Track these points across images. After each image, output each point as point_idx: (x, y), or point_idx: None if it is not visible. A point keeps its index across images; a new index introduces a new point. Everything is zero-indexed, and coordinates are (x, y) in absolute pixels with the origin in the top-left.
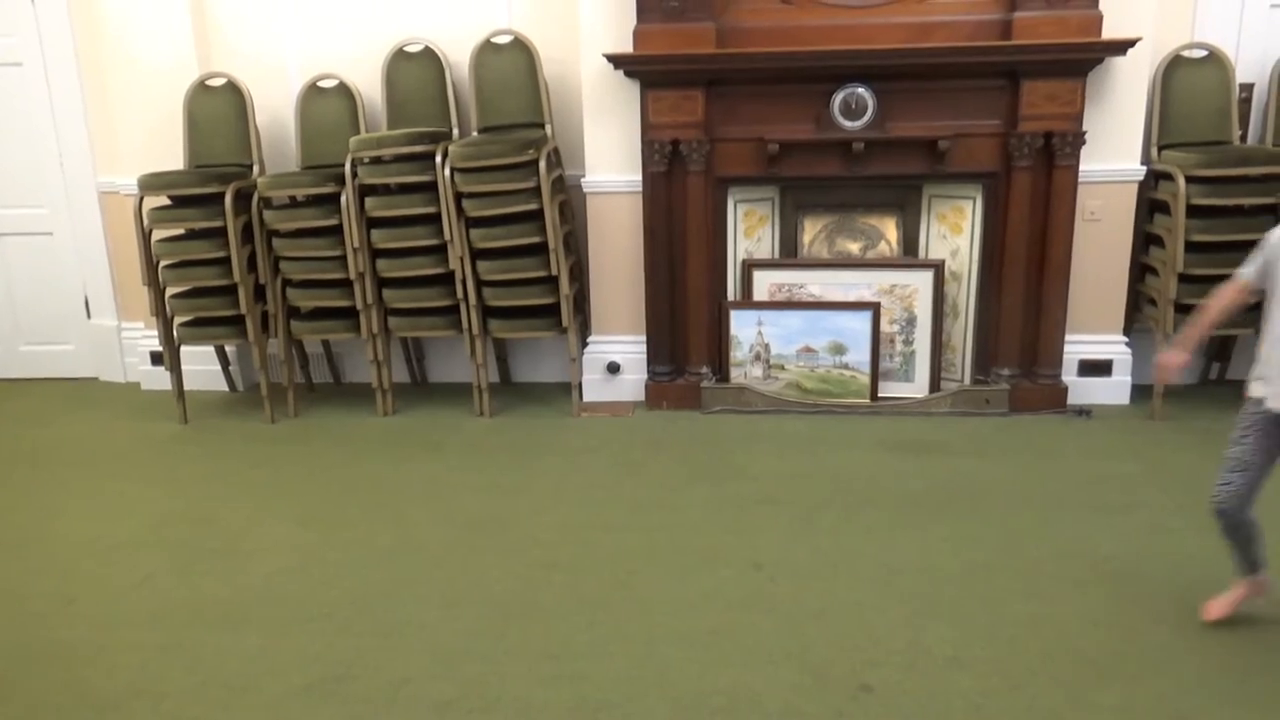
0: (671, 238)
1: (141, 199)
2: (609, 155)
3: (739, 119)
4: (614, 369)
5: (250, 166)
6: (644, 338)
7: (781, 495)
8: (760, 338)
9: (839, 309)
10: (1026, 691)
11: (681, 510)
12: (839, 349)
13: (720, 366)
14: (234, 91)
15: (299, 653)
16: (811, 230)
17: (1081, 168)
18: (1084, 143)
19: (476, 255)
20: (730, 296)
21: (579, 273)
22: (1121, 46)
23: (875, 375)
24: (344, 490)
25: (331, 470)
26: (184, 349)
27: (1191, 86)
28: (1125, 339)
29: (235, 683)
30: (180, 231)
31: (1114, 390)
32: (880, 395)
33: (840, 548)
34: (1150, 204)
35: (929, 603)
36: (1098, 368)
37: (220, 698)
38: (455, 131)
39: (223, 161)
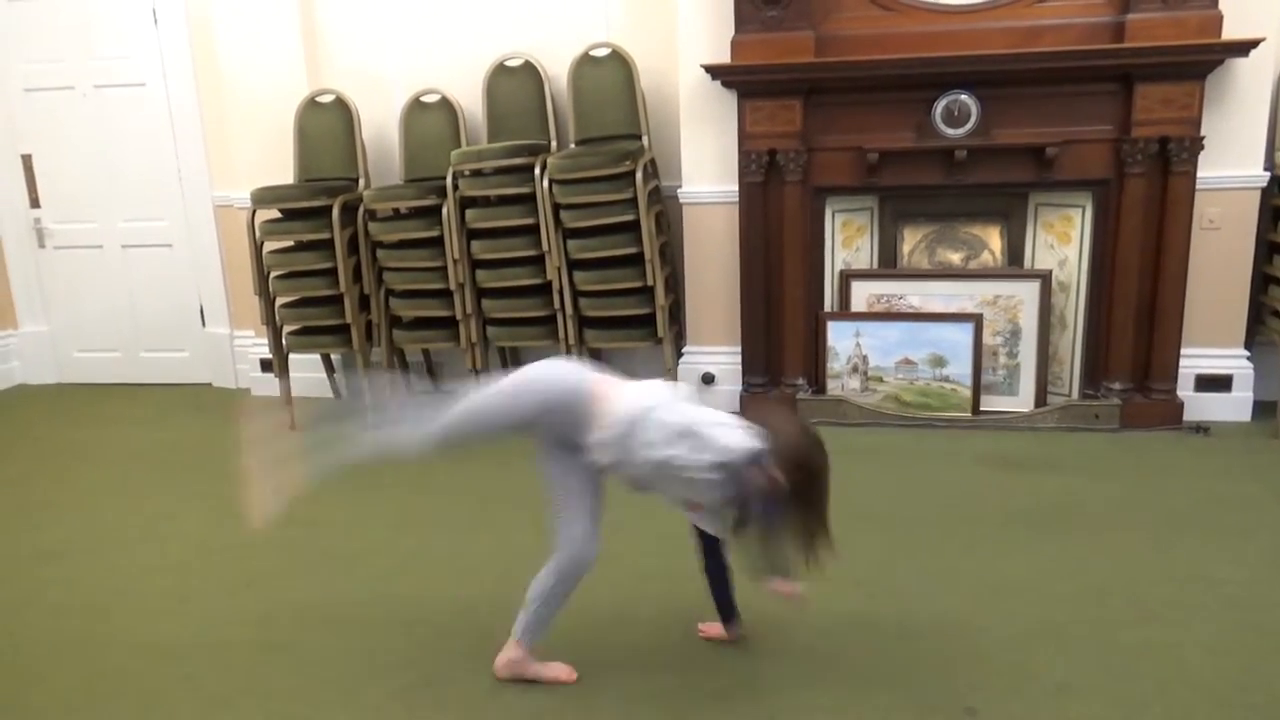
0: (768, 248)
1: (254, 212)
2: (705, 166)
3: (837, 128)
4: (709, 380)
5: (356, 180)
6: (739, 349)
7: (880, 510)
8: (858, 349)
9: (939, 320)
10: None
11: None
12: (939, 361)
13: (816, 378)
14: (342, 107)
15: (399, 655)
16: (911, 240)
17: (1199, 174)
18: (1202, 148)
19: (573, 266)
20: (827, 307)
21: (674, 283)
22: (1244, 47)
23: (977, 388)
24: (442, 496)
25: (430, 476)
26: (292, 357)
27: None
28: (1247, 353)
29: (338, 683)
30: (290, 243)
31: (1234, 407)
32: (983, 409)
33: (942, 566)
34: (1274, 211)
35: (1036, 625)
36: (1216, 382)
37: (324, 698)
38: (554, 144)
39: (330, 175)
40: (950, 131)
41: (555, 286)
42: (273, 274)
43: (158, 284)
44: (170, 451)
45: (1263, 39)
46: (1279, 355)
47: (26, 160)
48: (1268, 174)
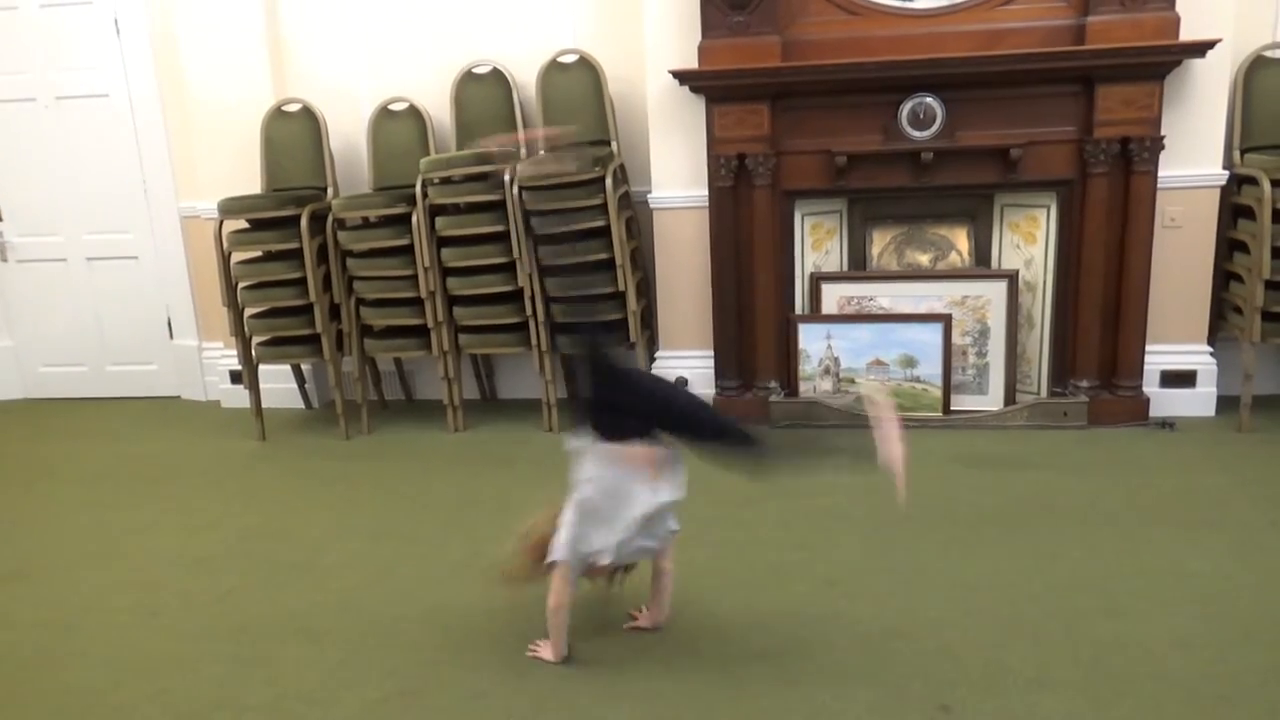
0: (738, 252)
1: (221, 223)
2: (675, 171)
3: (805, 131)
4: (682, 384)
5: (325, 189)
6: (711, 352)
7: (854, 510)
8: (829, 351)
9: (909, 321)
10: (1112, 714)
11: (752, 525)
12: (910, 362)
13: (789, 381)
14: (309, 117)
15: (375, 666)
16: (880, 242)
17: (1160, 173)
18: (1163, 148)
19: (544, 272)
20: (798, 310)
21: (646, 288)
22: (1200, 48)
23: (948, 388)
24: (416, 505)
25: (404, 485)
26: (262, 368)
27: (1275, 88)
28: (1209, 348)
29: (314, 695)
30: (258, 253)
31: (1198, 402)
32: (953, 408)
33: (916, 564)
34: (1234, 209)
35: (1009, 621)
36: (1181, 378)
37: (299, 710)
38: (523, 151)
39: (298, 185)
40: (916, 134)
41: (526, 293)
42: (241, 285)
43: (124, 297)
44: (139, 466)
45: (1219, 40)
46: (1241, 351)
47: None
48: (1226, 172)
